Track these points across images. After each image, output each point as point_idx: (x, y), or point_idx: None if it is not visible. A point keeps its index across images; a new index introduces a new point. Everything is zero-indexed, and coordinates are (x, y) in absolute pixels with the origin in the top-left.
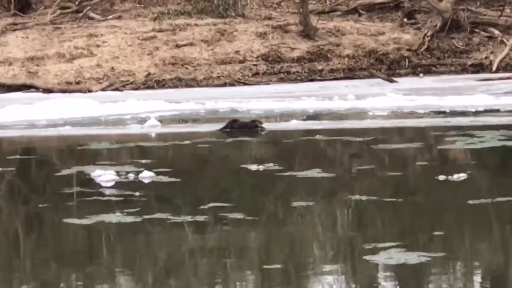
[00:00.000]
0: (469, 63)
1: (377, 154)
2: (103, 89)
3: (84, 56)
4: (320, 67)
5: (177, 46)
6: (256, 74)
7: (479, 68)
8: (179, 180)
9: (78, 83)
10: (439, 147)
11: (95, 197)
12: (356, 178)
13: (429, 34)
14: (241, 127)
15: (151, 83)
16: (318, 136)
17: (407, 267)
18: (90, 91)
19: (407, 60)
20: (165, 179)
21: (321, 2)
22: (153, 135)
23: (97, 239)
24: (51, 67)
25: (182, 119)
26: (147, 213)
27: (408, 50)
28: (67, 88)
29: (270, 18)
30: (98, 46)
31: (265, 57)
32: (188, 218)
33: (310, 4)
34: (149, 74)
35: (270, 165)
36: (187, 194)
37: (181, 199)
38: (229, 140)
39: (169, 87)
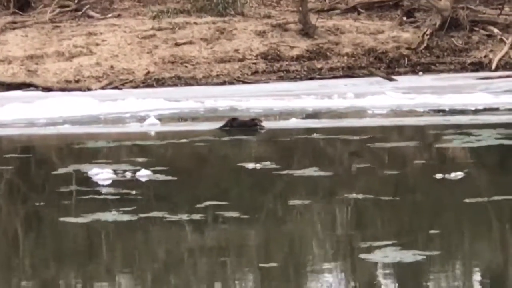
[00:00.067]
0: (469, 61)
1: (375, 152)
2: (102, 88)
3: (83, 54)
4: (319, 66)
5: (177, 44)
6: (256, 72)
7: (478, 66)
8: (176, 178)
9: (77, 81)
10: (437, 146)
11: (91, 196)
12: (353, 177)
13: (428, 32)
14: (240, 126)
15: (151, 81)
16: (315, 135)
17: (402, 265)
18: (89, 89)
19: (406, 58)
20: (162, 177)
21: (320, 0)
22: (152, 133)
23: (92, 237)
24: (51, 66)
25: (181, 118)
26: (143, 211)
27: (408, 48)
28: (67, 86)
29: (269, 17)
30: (97, 44)
31: (265, 56)
32: (185, 217)
33: (309, 2)
34: (148, 72)
35: (268, 164)
36: (184, 193)
37: (177, 197)
38: (228, 138)
39: (169, 85)
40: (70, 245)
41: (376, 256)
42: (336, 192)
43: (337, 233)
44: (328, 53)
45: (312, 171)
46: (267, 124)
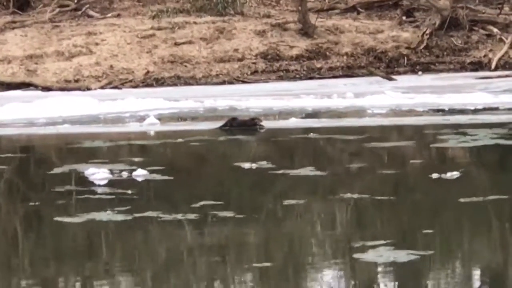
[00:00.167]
0: (468, 61)
1: (372, 152)
2: (102, 87)
3: (83, 54)
4: (319, 65)
5: (176, 44)
6: (255, 72)
7: (478, 66)
8: (172, 178)
9: (77, 81)
10: (434, 145)
11: (87, 195)
12: (349, 176)
13: (428, 32)
14: (240, 125)
15: (150, 81)
16: (311, 134)
17: (396, 265)
18: (89, 89)
19: (406, 58)
20: (158, 177)
21: (319, 0)
22: (152, 133)
23: (86, 237)
24: (50, 65)
25: (181, 117)
26: (138, 211)
27: (407, 48)
28: (66, 86)
29: (269, 16)
30: (97, 44)
31: (264, 55)
32: (179, 216)
33: (308, 2)
34: (148, 72)
35: (264, 163)
36: (179, 192)
37: (173, 197)
38: (227, 138)
39: (168, 85)
40: (64, 245)
41: (370, 256)
42: (332, 191)
43: (332, 233)
44: (327, 53)
45: (308, 171)
46: (266, 124)
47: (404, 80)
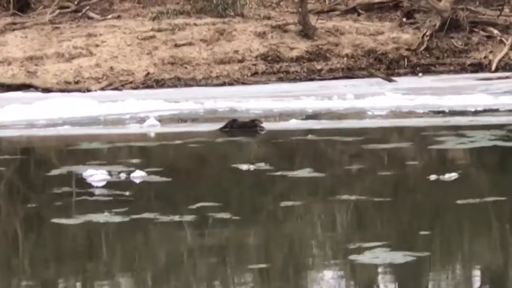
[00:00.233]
0: (468, 62)
1: (370, 154)
2: (102, 89)
3: (83, 55)
4: (319, 67)
5: (176, 45)
6: (255, 73)
7: (478, 67)
8: (170, 179)
9: (77, 82)
10: (433, 147)
11: (84, 197)
12: (347, 178)
13: (428, 33)
14: (240, 127)
15: (150, 82)
16: (309, 136)
17: (392, 266)
18: (89, 90)
19: (406, 59)
20: (156, 178)
21: (320, 1)
22: (152, 134)
23: (83, 238)
24: (50, 67)
25: (181, 119)
26: (135, 213)
27: (407, 49)
28: (66, 87)
29: (269, 18)
30: (97, 45)
31: (264, 57)
32: (176, 218)
33: (309, 3)
34: (148, 73)
35: (262, 165)
36: (176, 194)
37: (170, 199)
38: (227, 139)
39: (168, 86)
40: (61, 246)
41: (367, 257)
42: (329, 193)
43: (328, 234)
44: (328, 54)
45: (306, 172)
46: (267, 125)
47: (405, 81)
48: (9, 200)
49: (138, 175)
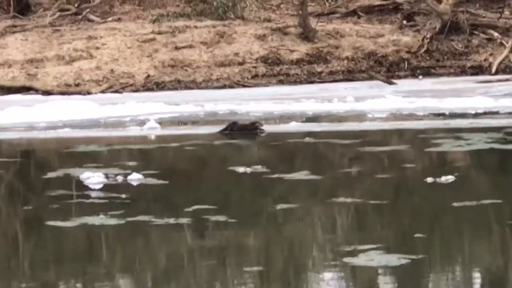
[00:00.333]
0: (468, 65)
1: (368, 156)
2: (102, 91)
3: (83, 58)
4: (319, 69)
5: (177, 48)
6: (256, 76)
7: (478, 70)
8: (167, 182)
9: (77, 85)
10: (430, 150)
11: (80, 200)
12: (343, 181)
13: (428, 36)
14: (240, 129)
15: (151, 85)
16: (307, 139)
17: (387, 269)
18: (89, 93)
19: (406, 62)
20: (153, 181)
21: (320, 4)
22: (152, 137)
23: (77, 241)
24: (51, 69)
25: (181, 121)
26: (131, 215)
27: (407, 52)
28: (67, 90)
29: (269, 20)
30: (97, 48)
31: (265, 59)
32: (171, 221)
33: (309, 6)
34: (148, 76)
35: (259, 168)
36: (172, 197)
37: (166, 201)
38: (227, 142)
39: (169, 89)
40: (55, 249)
41: (361, 260)
42: (325, 196)
43: (323, 237)
44: (328, 57)
45: (302, 175)
46: (267, 128)
47: (405, 84)
48: (5, 202)
49: (135, 178)
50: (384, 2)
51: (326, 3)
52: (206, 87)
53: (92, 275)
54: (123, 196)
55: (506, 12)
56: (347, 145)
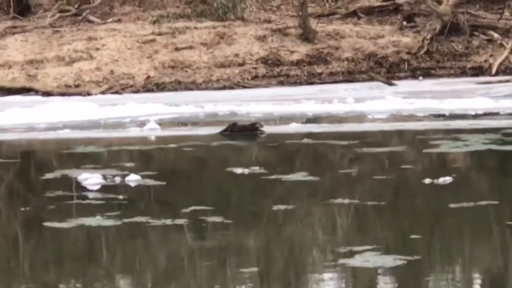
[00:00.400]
0: (469, 66)
1: (367, 157)
2: (102, 92)
3: (83, 59)
4: (319, 70)
5: (177, 49)
6: (256, 77)
7: (478, 71)
8: (164, 183)
9: (77, 86)
10: (428, 150)
11: (77, 201)
12: (341, 182)
13: (428, 37)
14: (241, 130)
15: (151, 86)
16: (305, 140)
17: (383, 270)
18: (89, 94)
19: (406, 63)
20: (150, 182)
21: (320, 5)
22: (152, 138)
23: (74, 242)
24: (51, 70)
25: (181, 122)
26: (127, 216)
27: (408, 53)
28: (67, 91)
29: (269, 21)
30: (97, 49)
31: (265, 60)
32: (168, 222)
33: (309, 7)
34: (148, 77)
35: (256, 169)
36: (170, 198)
37: (163, 202)
38: (227, 143)
39: (169, 90)
40: (51, 250)
41: (357, 261)
42: (322, 197)
43: (319, 238)
44: (328, 58)
45: (299, 176)
46: (267, 129)
47: (405, 85)
48: (3, 203)
49: (133, 179)
50: (384, 3)
51: (326, 4)
52: (206, 88)
53: (90, 276)
54: (121, 197)
55: (506, 13)
56: (347, 146)
